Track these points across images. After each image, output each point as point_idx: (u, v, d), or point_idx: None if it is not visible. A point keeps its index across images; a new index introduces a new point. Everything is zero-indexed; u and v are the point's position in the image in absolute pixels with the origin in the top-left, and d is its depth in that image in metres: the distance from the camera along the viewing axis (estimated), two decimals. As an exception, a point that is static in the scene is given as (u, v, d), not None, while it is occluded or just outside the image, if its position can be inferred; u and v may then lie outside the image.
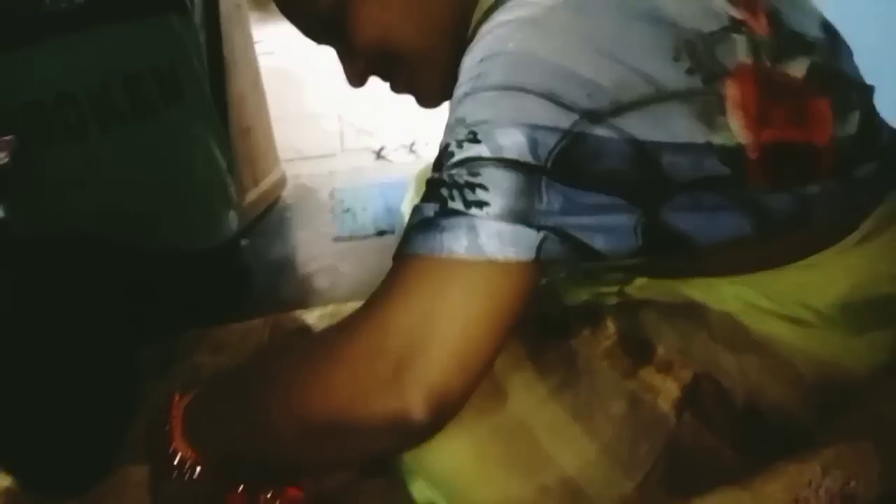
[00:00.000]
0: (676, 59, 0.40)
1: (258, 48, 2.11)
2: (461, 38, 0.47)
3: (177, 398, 0.50)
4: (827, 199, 0.44)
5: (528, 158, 0.38)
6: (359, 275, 1.90)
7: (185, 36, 0.95)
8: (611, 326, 0.53)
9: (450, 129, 0.42)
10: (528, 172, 0.38)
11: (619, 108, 0.39)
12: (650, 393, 0.50)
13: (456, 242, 0.38)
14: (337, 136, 2.95)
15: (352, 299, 1.81)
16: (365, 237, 2.11)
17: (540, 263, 0.39)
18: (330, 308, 0.78)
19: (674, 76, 0.40)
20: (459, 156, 0.39)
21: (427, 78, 0.53)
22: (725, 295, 0.52)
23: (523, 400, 0.54)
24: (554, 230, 0.38)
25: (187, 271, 0.95)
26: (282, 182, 2.39)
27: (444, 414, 0.39)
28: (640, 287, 0.56)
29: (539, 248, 0.38)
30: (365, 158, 2.76)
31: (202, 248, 0.98)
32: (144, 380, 0.69)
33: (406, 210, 0.90)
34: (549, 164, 0.38)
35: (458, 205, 0.38)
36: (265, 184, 2.22)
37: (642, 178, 0.40)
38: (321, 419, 0.40)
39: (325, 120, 3.01)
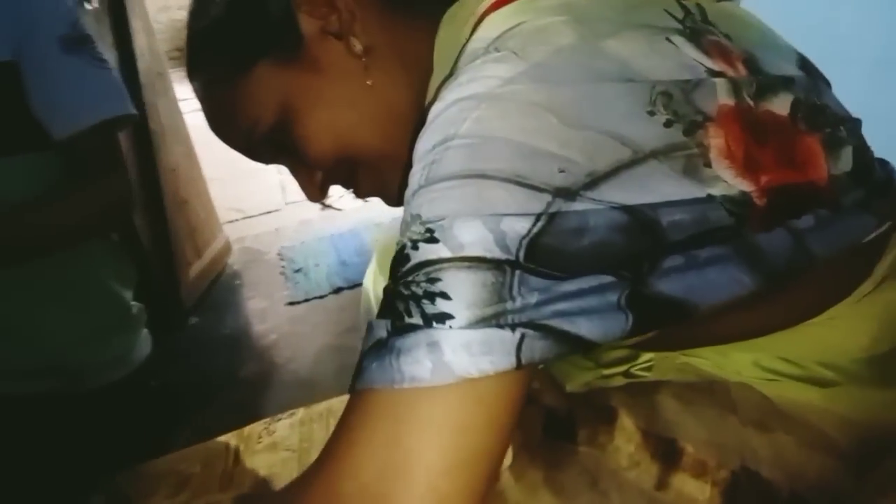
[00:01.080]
0: (652, 113, 0.35)
1: (185, 106, 1.92)
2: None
3: None
4: (821, 230, 0.41)
5: (496, 253, 0.32)
6: (320, 339, 1.81)
7: None
8: (629, 425, 0.47)
9: (405, 226, 0.35)
10: (497, 269, 0.32)
11: (596, 180, 0.34)
12: (690, 505, 0.45)
13: (418, 366, 0.31)
14: (278, 189, 2.86)
15: (316, 366, 1.74)
16: (321, 296, 2.03)
17: (525, 370, 0.32)
18: (300, 413, 0.70)
19: (651, 133, 0.35)
20: (415, 259, 0.33)
21: (395, 178, 0.47)
22: (740, 363, 0.47)
23: (549, 540, 0.47)
24: (531, 325, 0.32)
25: (102, 406, 0.86)
26: (226, 249, 2.28)
27: None
28: (647, 364, 0.51)
29: (518, 350, 0.32)
30: (311, 209, 2.67)
31: (114, 379, 0.88)
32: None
33: (369, 286, 0.82)
34: (521, 255, 0.32)
35: (416, 320, 0.32)
36: (209, 254, 2.10)
37: (636, 246, 0.35)
38: None
39: (264, 173, 2.90)
